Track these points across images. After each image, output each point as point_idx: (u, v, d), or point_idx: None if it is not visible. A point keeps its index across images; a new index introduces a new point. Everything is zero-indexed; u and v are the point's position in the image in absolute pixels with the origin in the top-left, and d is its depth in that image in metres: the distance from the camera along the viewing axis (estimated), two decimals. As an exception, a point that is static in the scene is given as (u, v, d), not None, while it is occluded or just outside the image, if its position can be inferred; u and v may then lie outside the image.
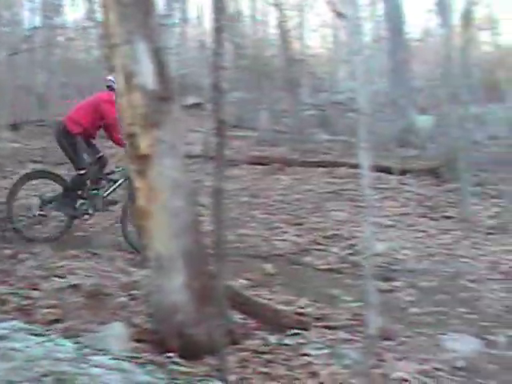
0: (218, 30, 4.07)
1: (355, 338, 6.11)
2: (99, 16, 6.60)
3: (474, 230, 10.54)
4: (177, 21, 19.15)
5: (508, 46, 21.57)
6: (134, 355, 4.76)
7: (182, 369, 4.81)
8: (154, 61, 5.07)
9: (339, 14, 5.98)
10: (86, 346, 4.45)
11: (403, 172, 13.56)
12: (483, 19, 21.26)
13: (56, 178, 9.53)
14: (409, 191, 12.79)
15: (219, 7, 4.27)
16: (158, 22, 5.73)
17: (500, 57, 22.09)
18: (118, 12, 5.04)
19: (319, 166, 14.57)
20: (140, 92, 5.00)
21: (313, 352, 5.67)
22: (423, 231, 10.64)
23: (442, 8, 12.53)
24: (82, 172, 9.18)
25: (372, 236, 5.24)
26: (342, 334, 6.22)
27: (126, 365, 4.16)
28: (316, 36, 25.12)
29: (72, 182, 9.30)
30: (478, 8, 20.42)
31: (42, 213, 9.35)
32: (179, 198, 5.09)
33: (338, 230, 10.47)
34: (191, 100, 19.69)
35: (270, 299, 7.03)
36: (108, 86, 8.94)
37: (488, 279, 8.52)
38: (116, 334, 5.25)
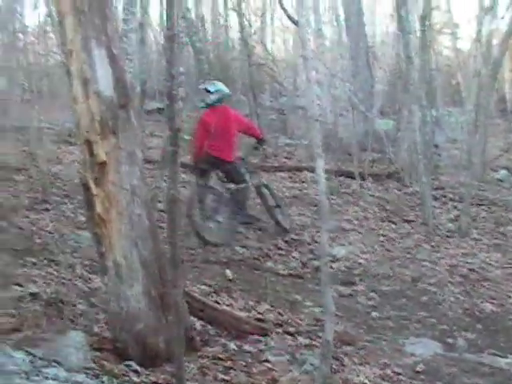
0: (171, 38, 4.04)
1: (316, 343, 6.11)
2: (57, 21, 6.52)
3: (434, 234, 10.63)
4: (136, 25, 19.10)
5: (467, 50, 21.75)
6: (92, 365, 4.71)
7: (140, 378, 4.78)
8: (112, 67, 5.02)
9: (293, 20, 5.93)
10: (40, 358, 4.39)
11: (364, 176, 13.61)
12: (443, 24, 21.45)
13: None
14: (370, 195, 12.85)
15: (171, 15, 4.24)
16: (117, 28, 5.69)
17: (459, 61, 22.30)
18: (75, 17, 4.98)
19: (280, 171, 14.58)
20: (97, 99, 4.95)
21: (273, 358, 5.65)
22: (384, 235, 10.72)
23: (402, 13, 12.59)
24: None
25: (328, 241, 5.24)
26: (302, 340, 6.21)
27: (80, 377, 4.11)
28: (278, 40, 25.14)
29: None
30: (437, 13, 20.67)
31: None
32: (137, 206, 5.05)
33: (299, 234, 10.48)
34: (152, 105, 19.62)
35: (229, 305, 7.01)
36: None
37: (448, 283, 8.60)
38: (75, 343, 5.18)
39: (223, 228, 10.05)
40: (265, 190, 10.74)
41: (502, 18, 13.28)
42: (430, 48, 16.64)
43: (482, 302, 7.99)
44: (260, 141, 10.73)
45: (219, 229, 10.01)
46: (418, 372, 5.89)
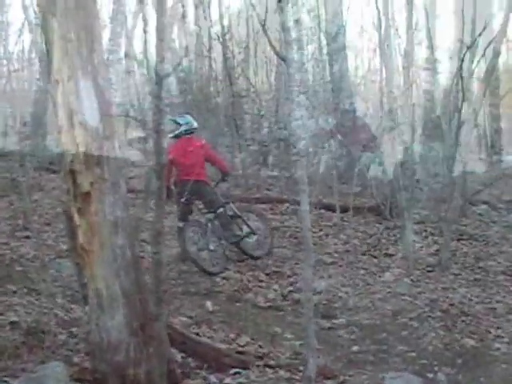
0: (159, 79, 4.09)
1: (296, 377, 6.11)
2: (43, 48, 6.60)
3: (414, 268, 10.64)
4: (122, 56, 19.26)
5: (448, 85, 21.93)
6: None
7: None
8: (98, 98, 5.04)
9: (281, 57, 6.00)
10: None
11: (346, 209, 13.61)
12: (424, 59, 21.65)
13: None
14: (351, 228, 12.85)
15: (160, 50, 4.29)
16: (103, 58, 5.71)
17: (440, 96, 22.46)
18: (62, 47, 5.01)
19: (261, 202, 14.57)
20: (82, 129, 4.96)
21: (253, 391, 5.65)
22: (365, 269, 10.71)
23: (385, 48, 12.72)
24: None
25: (311, 275, 5.26)
26: (283, 373, 6.21)
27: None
28: (260, 72, 25.25)
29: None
30: (419, 48, 20.90)
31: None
32: (120, 237, 5.05)
33: (279, 267, 10.48)
34: (136, 133, 19.64)
35: (210, 337, 7.00)
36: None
37: (428, 317, 8.61)
38: (55, 373, 5.15)
39: (217, 256, 10.40)
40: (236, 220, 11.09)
41: (483, 55, 13.38)
42: (412, 83, 16.79)
43: (462, 337, 7.98)
44: (225, 174, 11.16)
45: (213, 257, 10.34)
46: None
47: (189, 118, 11.06)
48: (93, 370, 5.27)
